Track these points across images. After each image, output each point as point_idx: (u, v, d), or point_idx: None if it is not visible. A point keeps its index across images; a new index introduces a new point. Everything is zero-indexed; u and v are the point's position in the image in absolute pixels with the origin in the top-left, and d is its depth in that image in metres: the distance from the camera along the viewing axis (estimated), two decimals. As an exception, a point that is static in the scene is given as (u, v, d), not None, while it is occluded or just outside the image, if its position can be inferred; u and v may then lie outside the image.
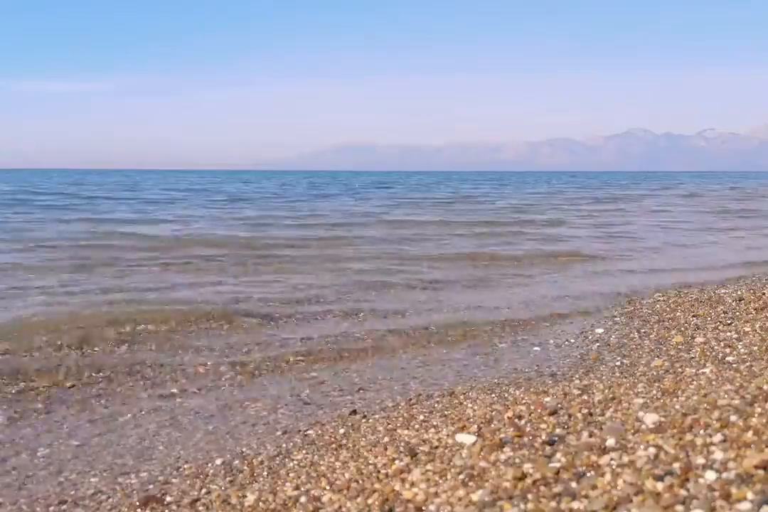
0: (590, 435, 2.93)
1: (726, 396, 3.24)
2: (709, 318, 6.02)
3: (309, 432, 3.75)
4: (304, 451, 3.45)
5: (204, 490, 3.08)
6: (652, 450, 2.55)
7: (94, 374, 4.84)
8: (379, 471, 2.96)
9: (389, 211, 24.93)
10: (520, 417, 3.43)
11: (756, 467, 2.24)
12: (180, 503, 2.98)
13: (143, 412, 4.15)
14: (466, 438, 3.19)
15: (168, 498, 3.03)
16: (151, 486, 3.18)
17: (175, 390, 4.55)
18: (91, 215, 21.50)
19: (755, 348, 4.70)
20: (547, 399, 3.77)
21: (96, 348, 5.49)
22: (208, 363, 5.15)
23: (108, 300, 7.29)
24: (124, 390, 4.56)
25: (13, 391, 4.50)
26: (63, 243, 13.41)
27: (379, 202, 31.46)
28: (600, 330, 6.04)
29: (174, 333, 6.01)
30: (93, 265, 10.22)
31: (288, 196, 38.50)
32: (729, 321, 5.81)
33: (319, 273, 9.44)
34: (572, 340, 5.76)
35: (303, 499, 2.81)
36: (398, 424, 3.64)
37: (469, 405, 3.87)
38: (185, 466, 3.39)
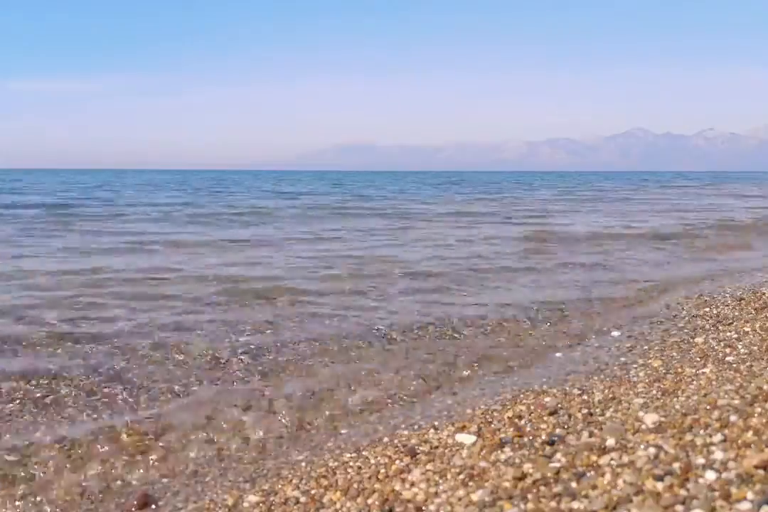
0: (590, 435, 2.94)
1: (726, 396, 3.24)
2: None
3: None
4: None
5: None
6: (652, 450, 2.55)
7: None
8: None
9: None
10: (520, 417, 3.43)
11: (756, 467, 2.24)
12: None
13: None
14: (466, 438, 3.19)
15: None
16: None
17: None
18: None
19: (755, 348, 4.69)
20: (547, 399, 3.76)
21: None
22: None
23: None
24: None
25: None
26: None
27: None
28: None
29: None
30: None
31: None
32: (729, 322, 5.81)
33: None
34: None
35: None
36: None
37: None
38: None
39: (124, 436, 3.79)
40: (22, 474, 3.40)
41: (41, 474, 3.41)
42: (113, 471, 3.46)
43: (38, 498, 3.21)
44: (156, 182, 61.23)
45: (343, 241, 13.73)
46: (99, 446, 3.68)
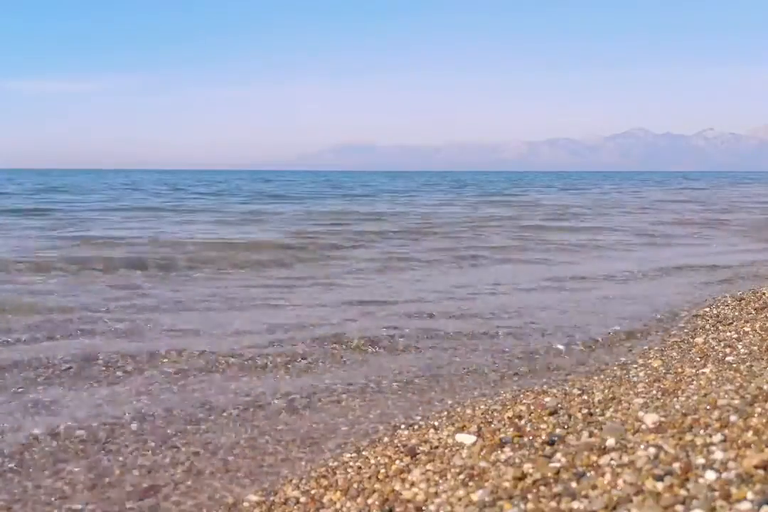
0: (590, 435, 2.94)
1: (726, 396, 3.24)
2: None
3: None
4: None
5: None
6: (652, 450, 2.55)
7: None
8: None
9: None
10: (520, 417, 3.43)
11: (756, 467, 2.24)
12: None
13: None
14: (466, 438, 3.19)
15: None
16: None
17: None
18: None
19: (755, 348, 4.70)
20: (547, 399, 3.77)
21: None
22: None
23: None
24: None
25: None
26: None
27: None
28: None
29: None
30: None
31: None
32: (729, 322, 5.81)
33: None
34: None
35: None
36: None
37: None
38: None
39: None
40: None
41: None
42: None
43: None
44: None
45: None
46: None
